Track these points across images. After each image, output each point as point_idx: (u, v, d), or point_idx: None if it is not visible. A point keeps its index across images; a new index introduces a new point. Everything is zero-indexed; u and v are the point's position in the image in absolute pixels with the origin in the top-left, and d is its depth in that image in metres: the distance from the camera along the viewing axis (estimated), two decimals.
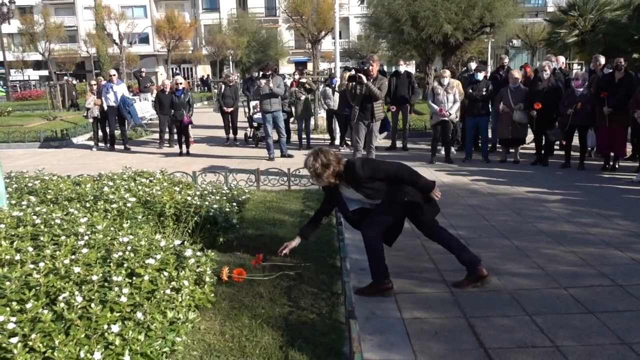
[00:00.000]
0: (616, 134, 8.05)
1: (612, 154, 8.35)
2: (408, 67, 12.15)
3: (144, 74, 18.42)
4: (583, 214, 5.83)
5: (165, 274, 3.01)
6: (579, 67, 20.17)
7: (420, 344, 3.12)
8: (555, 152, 9.46)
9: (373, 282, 3.82)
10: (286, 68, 46.47)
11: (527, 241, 4.94)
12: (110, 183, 5.13)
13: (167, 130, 12.15)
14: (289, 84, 12.56)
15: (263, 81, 9.69)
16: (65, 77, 25.46)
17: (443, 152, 9.60)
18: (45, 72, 42.34)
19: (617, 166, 8.32)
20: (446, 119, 9.09)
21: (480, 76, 9.31)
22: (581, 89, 8.24)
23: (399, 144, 11.06)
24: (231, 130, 12.61)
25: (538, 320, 3.37)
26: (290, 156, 10.24)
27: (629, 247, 4.70)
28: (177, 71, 43.96)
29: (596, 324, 3.29)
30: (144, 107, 16.20)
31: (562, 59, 11.20)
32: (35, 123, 15.74)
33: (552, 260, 4.42)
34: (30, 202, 4.29)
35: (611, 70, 8.40)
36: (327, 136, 12.31)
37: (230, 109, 12.38)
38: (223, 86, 12.80)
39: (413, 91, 10.90)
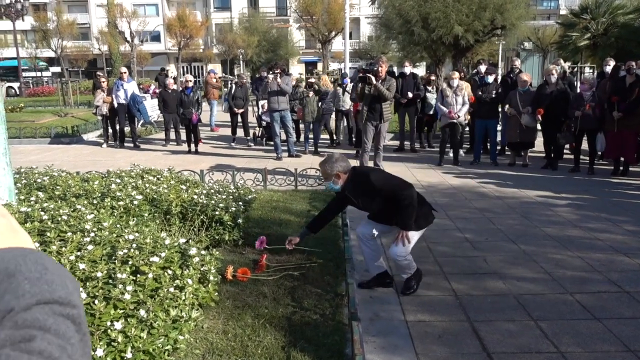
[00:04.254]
0: (626, 138, 7.97)
1: (622, 158, 8.26)
2: (416, 68, 12.11)
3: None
4: (591, 219, 5.78)
5: (170, 272, 3.03)
6: (591, 70, 19.97)
7: (423, 346, 3.11)
8: (565, 157, 9.39)
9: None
10: (296, 68, 46.50)
11: (534, 245, 4.91)
12: (118, 180, 5.17)
13: (172, 128, 12.20)
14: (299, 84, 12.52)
15: (271, 76, 9.64)
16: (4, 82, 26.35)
17: (451, 155, 9.57)
18: (57, 69, 42.70)
19: (627, 171, 8.24)
20: (455, 121, 9.06)
21: (490, 79, 9.25)
22: (588, 93, 8.17)
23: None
24: (243, 130, 12.59)
25: (543, 325, 3.34)
26: (298, 156, 10.23)
27: (637, 253, 4.65)
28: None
29: (602, 331, 3.26)
30: (154, 105, 16.26)
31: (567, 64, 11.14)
32: (46, 119, 15.85)
33: (559, 265, 4.39)
34: (38, 197, 4.33)
35: (624, 74, 8.32)
36: (334, 137, 12.25)
37: (240, 111, 12.37)
38: (233, 86, 12.80)
39: (417, 89, 10.85)
